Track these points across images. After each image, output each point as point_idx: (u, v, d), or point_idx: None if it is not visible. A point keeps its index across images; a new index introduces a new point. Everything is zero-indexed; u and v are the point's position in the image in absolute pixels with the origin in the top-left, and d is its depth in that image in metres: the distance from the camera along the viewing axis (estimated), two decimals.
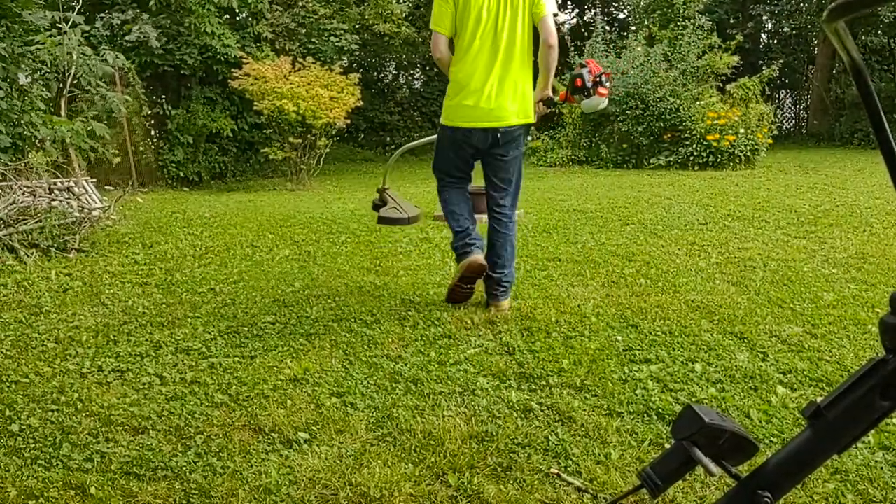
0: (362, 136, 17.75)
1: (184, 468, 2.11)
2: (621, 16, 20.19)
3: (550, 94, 3.39)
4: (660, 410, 2.39)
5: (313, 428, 2.34)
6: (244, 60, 9.94)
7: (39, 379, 2.83)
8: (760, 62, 17.35)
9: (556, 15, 3.16)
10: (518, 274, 4.23)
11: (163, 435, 2.33)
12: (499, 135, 3.21)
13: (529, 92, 3.26)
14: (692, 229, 5.54)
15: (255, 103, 9.69)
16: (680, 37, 11.70)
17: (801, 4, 15.83)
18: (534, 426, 2.32)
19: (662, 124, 10.93)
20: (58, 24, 6.75)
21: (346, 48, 12.01)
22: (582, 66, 3.32)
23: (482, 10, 3.10)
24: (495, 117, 3.18)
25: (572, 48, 12.66)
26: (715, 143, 10.37)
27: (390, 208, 4.17)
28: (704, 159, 10.49)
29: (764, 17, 17.43)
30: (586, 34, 13.81)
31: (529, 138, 13.30)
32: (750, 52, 16.98)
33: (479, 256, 3.28)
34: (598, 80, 3.27)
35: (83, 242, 5.32)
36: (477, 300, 3.70)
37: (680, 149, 10.76)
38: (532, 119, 3.31)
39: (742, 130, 10.39)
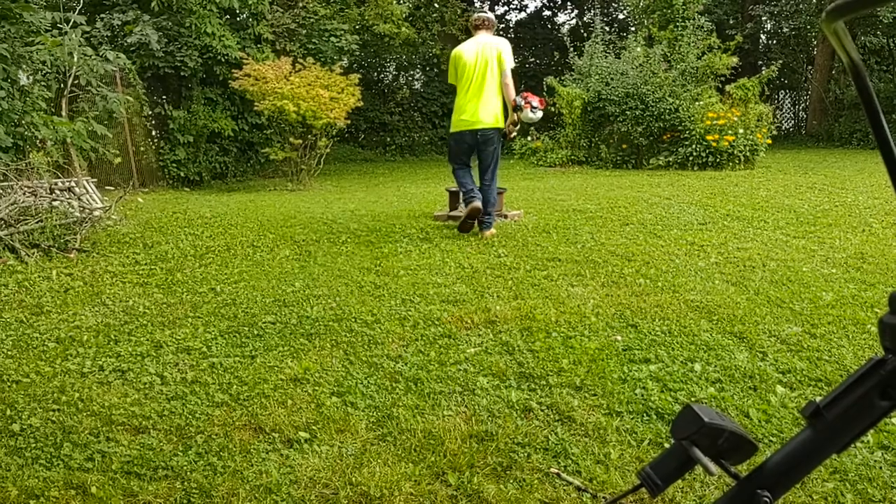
0: (363, 136, 17.75)
1: (184, 467, 2.11)
2: (621, 16, 20.19)
3: (516, 118, 5.35)
4: (659, 410, 2.40)
5: (314, 427, 2.35)
6: (245, 61, 9.95)
7: (40, 378, 2.83)
8: (760, 63, 17.36)
9: (513, 67, 5.39)
10: (518, 274, 4.27)
11: (163, 434, 2.33)
12: (478, 134, 5.33)
13: (498, 110, 5.34)
14: (691, 229, 5.55)
15: (256, 104, 9.69)
16: (679, 37, 11.71)
17: (801, 5, 15.82)
18: (533, 426, 2.33)
19: (662, 125, 10.93)
20: (58, 25, 6.76)
21: (346, 49, 12.02)
22: (517, 95, 5.31)
23: (467, 67, 5.33)
24: (476, 123, 5.33)
25: (571, 49, 12.67)
26: (714, 144, 10.37)
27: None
28: (704, 159, 10.49)
29: (763, 18, 17.41)
30: (586, 35, 13.81)
31: (529, 138, 13.37)
32: (749, 52, 16.98)
33: (478, 204, 5.35)
34: (526, 101, 5.22)
35: (84, 242, 5.33)
36: (476, 306, 3.72)
37: (679, 149, 10.77)
38: (501, 125, 5.36)
39: (741, 131, 10.39)
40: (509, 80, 5.30)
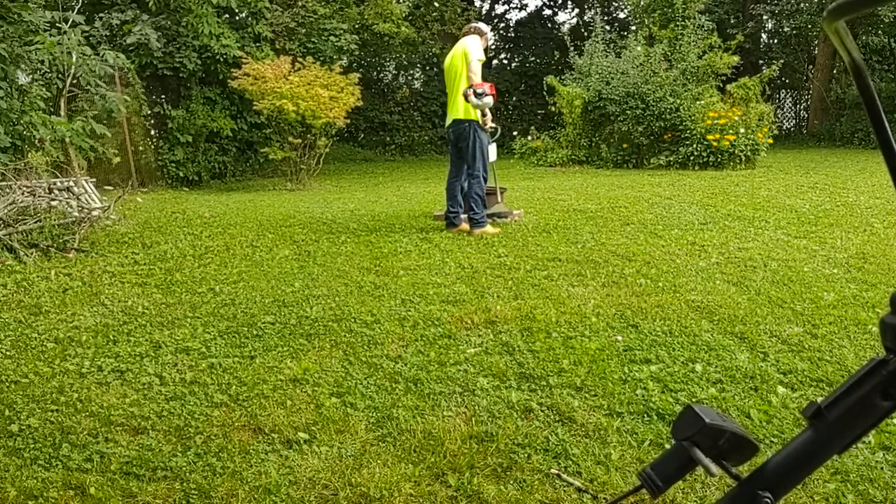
0: (362, 135, 17.73)
1: (183, 468, 2.11)
2: (621, 15, 20.16)
3: (484, 108, 5.52)
4: (660, 410, 2.39)
5: (313, 428, 2.34)
6: (244, 60, 9.93)
7: (39, 379, 2.82)
8: (761, 62, 17.34)
9: (481, 60, 5.51)
10: (518, 274, 4.26)
11: (162, 435, 2.32)
12: (450, 130, 5.69)
13: (466, 105, 5.46)
14: (692, 229, 5.54)
15: (255, 103, 9.68)
16: (680, 36, 11.69)
17: (802, 4, 15.80)
18: (534, 426, 2.32)
19: (662, 124, 10.92)
20: (57, 24, 6.75)
21: (345, 48, 12.00)
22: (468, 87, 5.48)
23: (445, 71, 5.80)
24: (448, 118, 5.72)
25: (572, 48, 12.66)
26: (715, 143, 10.36)
27: (497, 204, 6.17)
28: (705, 159, 10.48)
29: (764, 17, 17.38)
30: (586, 34, 13.79)
31: (530, 138, 13.35)
32: (750, 51, 16.96)
33: (461, 226, 5.80)
34: (473, 91, 5.40)
35: (83, 242, 5.32)
36: (476, 306, 3.71)
37: (680, 149, 10.75)
38: (471, 117, 5.49)
39: (742, 130, 10.37)
40: (472, 73, 5.47)
